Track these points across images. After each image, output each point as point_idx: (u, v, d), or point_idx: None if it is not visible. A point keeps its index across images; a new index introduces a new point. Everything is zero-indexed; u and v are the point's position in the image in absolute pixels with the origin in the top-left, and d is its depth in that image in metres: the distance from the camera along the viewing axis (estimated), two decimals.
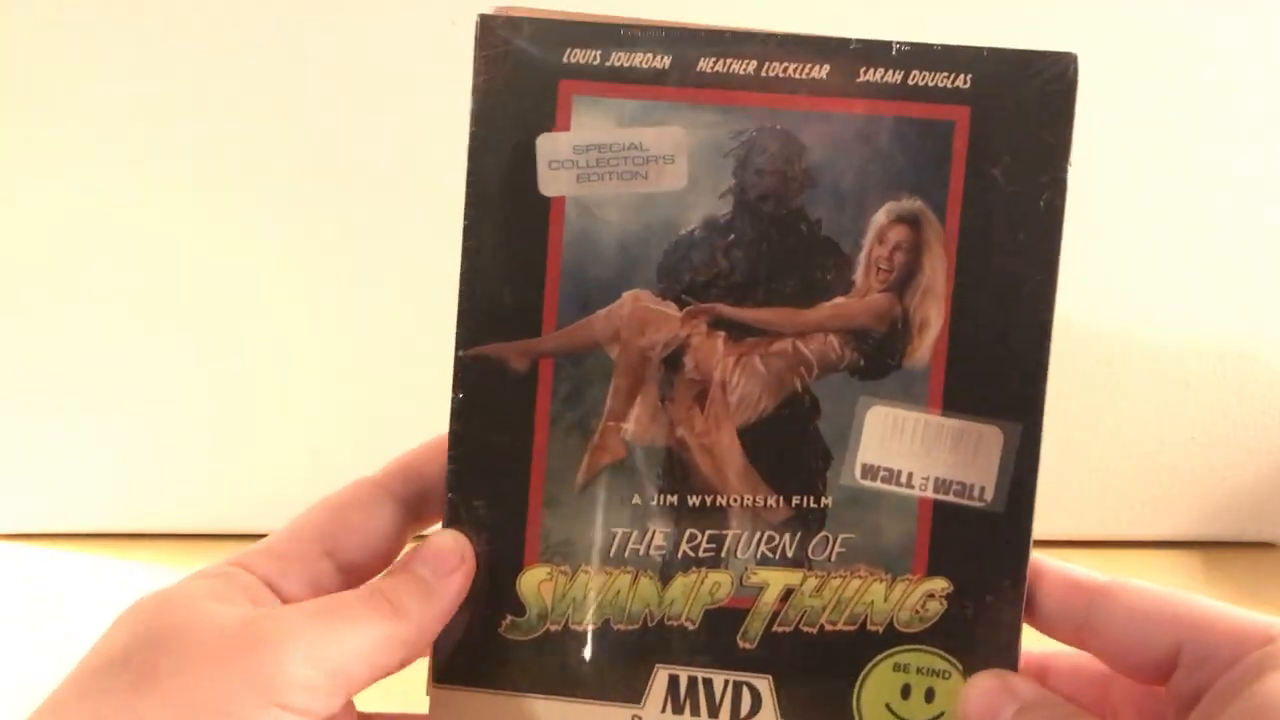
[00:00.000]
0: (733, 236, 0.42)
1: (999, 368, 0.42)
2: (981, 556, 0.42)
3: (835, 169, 0.41)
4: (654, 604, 0.42)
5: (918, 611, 0.42)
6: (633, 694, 0.42)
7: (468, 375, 0.42)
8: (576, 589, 0.42)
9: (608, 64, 0.41)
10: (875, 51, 0.41)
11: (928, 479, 0.42)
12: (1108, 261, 0.79)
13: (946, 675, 0.42)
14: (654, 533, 0.42)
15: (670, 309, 0.42)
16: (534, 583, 0.42)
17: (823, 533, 0.42)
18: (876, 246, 0.42)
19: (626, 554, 0.42)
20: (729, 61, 0.41)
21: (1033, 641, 0.43)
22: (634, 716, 0.42)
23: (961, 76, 0.41)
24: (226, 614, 0.37)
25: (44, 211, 0.76)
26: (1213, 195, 0.78)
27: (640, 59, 0.41)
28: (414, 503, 0.44)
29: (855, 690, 0.42)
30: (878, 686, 0.42)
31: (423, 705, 0.43)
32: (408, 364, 0.77)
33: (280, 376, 0.81)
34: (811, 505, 0.42)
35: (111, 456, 0.83)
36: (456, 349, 0.42)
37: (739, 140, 0.41)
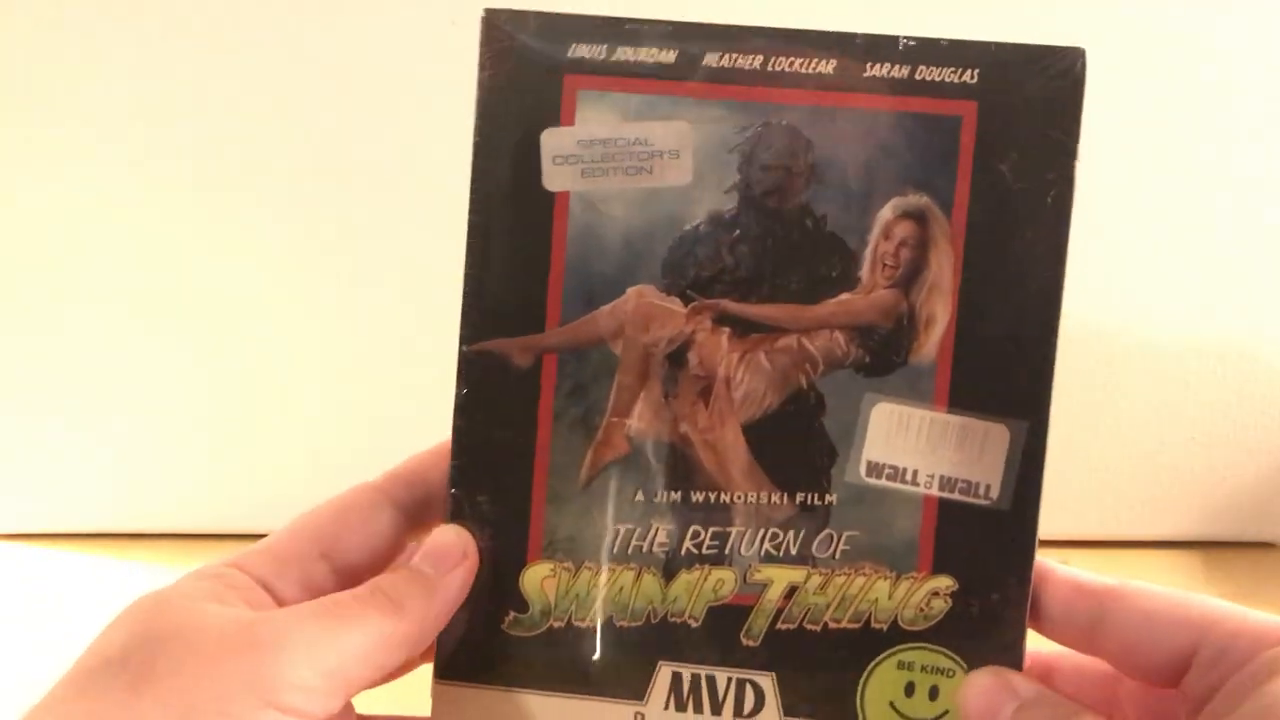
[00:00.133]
0: (738, 232, 0.42)
1: (1006, 365, 0.42)
2: (987, 555, 0.42)
3: (841, 164, 0.41)
4: (657, 601, 0.42)
5: (922, 610, 0.42)
6: (636, 691, 0.42)
7: (471, 370, 0.42)
8: (580, 585, 0.42)
9: (613, 58, 0.41)
10: (882, 46, 0.41)
11: (933, 476, 0.42)
12: (1108, 261, 0.79)
13: (951, 674, 0.42)
14: (657, 529, 0.42)
15: (675, 305, 0.42)
16: (537, 579, 0.42)
17: (827, 530, 0.42)
18: (882, 242, 0.41)
19: (630, 550, 0.42)
20: (734, 56, 0.41)
21: (1037, 643, 0.42)
22: (637, 714, 0.42)
23: (969, 72, 0.41)
24: (224, 615, 0.37)
25: (44, 211, 0.76)
26: (1213, 195, 0.78)
27: (645, 54, 0.41)
28: (414, 508, 0.44)
29: (859, 688, 0.42)
30: (881, 684, 0.42)
31: (423, 707, 0.43)
32: (408, 364, 0.77)
33: (280, 376, 0.81)
34: (816, 502, 0.42)
35: (111, 456, 0.82)
36: (460, 344, 0.42)
37: (744, 136, 0.41)
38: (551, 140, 0.41)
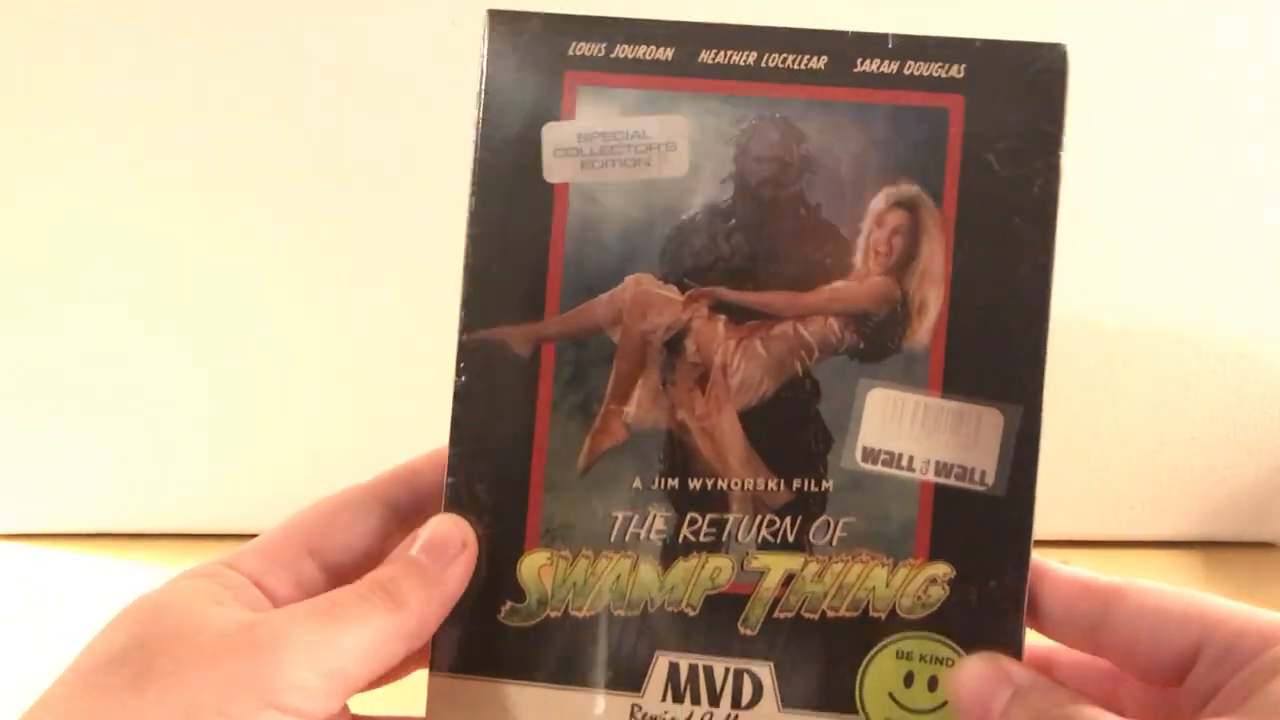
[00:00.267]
0: (734, 221, 0.43)
1: (998, 349, 0.42)
2: (984, 541, 0.42)
3: (833, 156, 0.42)
4: (655, 589, 0.42)
5: (920, 597, 0.42)
6: (632, 682, 0.42)
7: (470, 358, 0.42)
8: (577, 574, 0.42)
9: (612, 55, 0.42)
10: (871, 43, 0.42)
11: (928, 462, 0.42)
12: (1108, 261, 0.79)
13: (949, 663, 0.42)
14: (655, 516, 0.42)
15: (672, 292, 0.43)
16: (534, 568, 0.42)
17: (824, 517, 0.42)
18: (875, 230, 0.42)
19: (627, 538, 0.42)
20: (729, 53, 0.42)
21: (1034, 639, 0.42)
22: (633, 705, 0.42)
23: (955, 66, 0.42)
24: (223, 616, 0.37)
25: (44, 211, 0.76)
26: (1213, 195, 0.78)
27: (644, 51, 0.42)
28: (404, 510, 0.44)
29: (858, 679, 0.42)
30: (880, 675, 0.42)
31: (420, 707, 0.42)
32: (408, 364, 0.77)
33: (280, 376, 0.81)
34: (812, 489, 0.42)
35: (111, 456, 0.83)
36: (460, 332, 0.42)
37: (739, 128, 0.42)
38: (552, 133, 0.42)
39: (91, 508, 0.84)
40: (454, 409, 0.42)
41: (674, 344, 0.43)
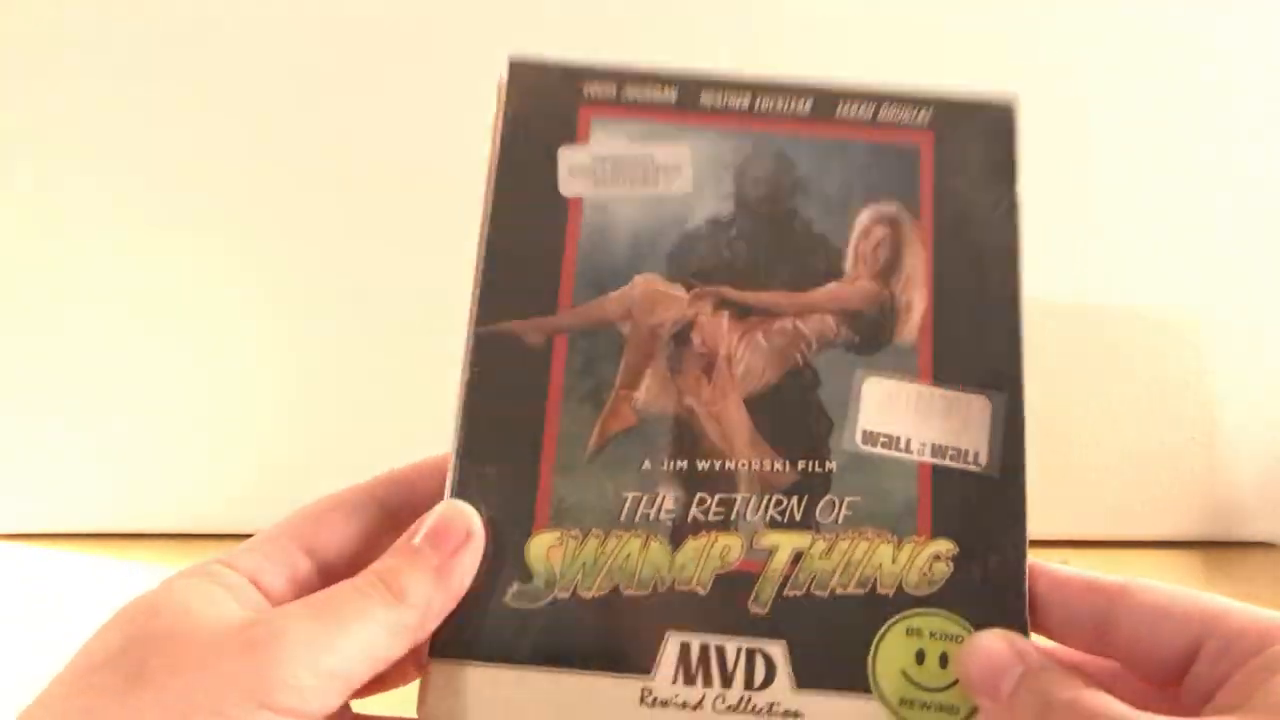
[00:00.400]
0: (734, 231, 0.46)
1: (978, 343, 0.45)
2: (982, 519, 0.43)
3: (822, 180, 0.47)
4: (664, 568, 0.42)
5: (925, 574, 0.43)
6: (642, 664, 0.42)
7: (483, 350, 0.44)
8: (587, 553, 0.42)
9: (621, 96, 0.47)
10: (849, 91, 0.47)
11: (925, 444, 0.44)
12: (1108, 260, 0.79)
13: (959, 640, 0.42)
14: (664, 496, 0.43)
15: (678, 291, 0.45)
16: (543, 548, 0.42)
17: (829, 496, 0.43)
18: (862, 242, 0.46)
19: (637, 518, 0.43)
20: (726, 96, 0.47)
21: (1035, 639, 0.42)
22: (643, 689, 0.42)
23: (922, 112, 0.47)
24: (219, 616, 0.37)
25: (44, 211, 0.76)
26: (1213, 195, 0.78)
27: (650, 94, 0.47)
28: (399, 512, 0.43)
29: (869, 658, 0.42)
30: (892, 652, 0.42)
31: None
32: (408, 364, 0.77)
33: (280, 377, 0.81)
34: (816, 470, 0.44)
35: (111, 456, 0.82)
36: (473, 325, 0.44)
37: (738, 156, 0.47)
38: (568, 154, 0.46)
39: (91, 508, 0.84)
40: (463, 397, 0.43)
41: (681, 337, 0.45)
